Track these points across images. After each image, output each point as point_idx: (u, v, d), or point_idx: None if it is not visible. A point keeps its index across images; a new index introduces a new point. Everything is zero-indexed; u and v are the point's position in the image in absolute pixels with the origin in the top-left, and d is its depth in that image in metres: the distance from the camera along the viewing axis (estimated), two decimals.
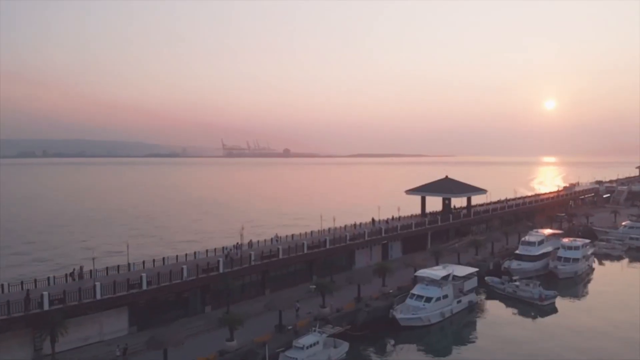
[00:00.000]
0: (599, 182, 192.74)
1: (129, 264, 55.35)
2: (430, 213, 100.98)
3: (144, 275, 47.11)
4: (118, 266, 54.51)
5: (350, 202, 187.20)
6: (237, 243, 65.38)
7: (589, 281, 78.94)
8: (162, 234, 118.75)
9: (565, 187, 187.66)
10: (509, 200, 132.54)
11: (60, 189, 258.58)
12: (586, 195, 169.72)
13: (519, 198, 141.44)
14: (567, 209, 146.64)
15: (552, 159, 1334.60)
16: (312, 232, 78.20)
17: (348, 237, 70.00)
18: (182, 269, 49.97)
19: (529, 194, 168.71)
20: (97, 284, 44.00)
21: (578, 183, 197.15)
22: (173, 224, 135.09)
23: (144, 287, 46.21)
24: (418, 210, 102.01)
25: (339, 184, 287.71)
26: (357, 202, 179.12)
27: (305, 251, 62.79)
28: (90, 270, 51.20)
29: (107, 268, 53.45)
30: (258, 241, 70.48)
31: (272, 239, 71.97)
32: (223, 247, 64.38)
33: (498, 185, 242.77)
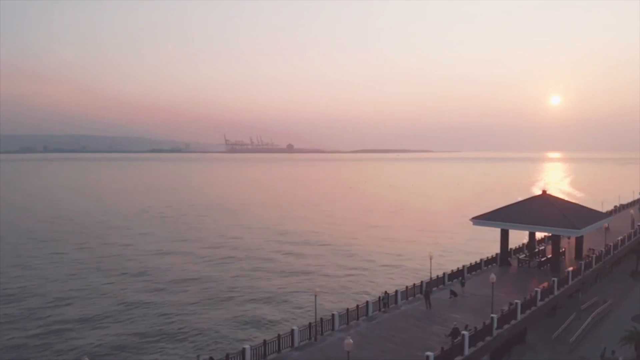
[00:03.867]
0: None
1: None
2: (523, 258, 56.18)
3: None
4: None
5: (372, 232, 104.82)
6: None
7: None
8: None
9: None
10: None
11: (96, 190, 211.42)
12: None
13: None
14: None
15: (556, 155, 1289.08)
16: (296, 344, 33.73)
17: None
18: None
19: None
20: None
21: None
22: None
23: None
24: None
25: (352, 194, 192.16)
26: (382, 234, 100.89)
27: None
28: None
29: None
30: None
31: None
32: None
33: (529, 186, 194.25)
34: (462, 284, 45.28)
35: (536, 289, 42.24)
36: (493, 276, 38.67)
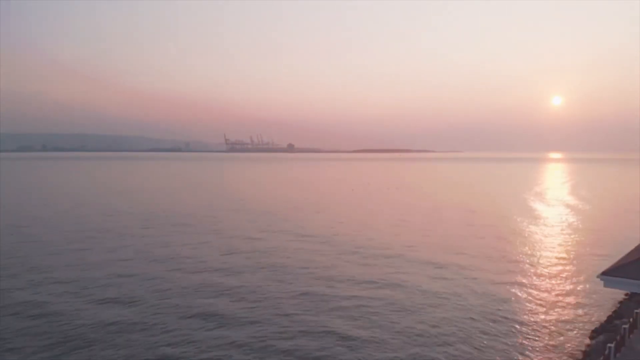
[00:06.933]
0: None
1: None
2: None
3: None
4: None
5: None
6: None
7: None
8: None
9: None
10: None
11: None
12: None
13: None
14: None
15: (557, 155, 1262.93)
16: None
17: None
18: None
19: None
20: None
21: None
22: None
23: None
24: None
25: (371, 215, 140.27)
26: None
27: None
28: None
29: None
30: None
31: None
32: None
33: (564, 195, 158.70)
34: None
35: None
36: None
